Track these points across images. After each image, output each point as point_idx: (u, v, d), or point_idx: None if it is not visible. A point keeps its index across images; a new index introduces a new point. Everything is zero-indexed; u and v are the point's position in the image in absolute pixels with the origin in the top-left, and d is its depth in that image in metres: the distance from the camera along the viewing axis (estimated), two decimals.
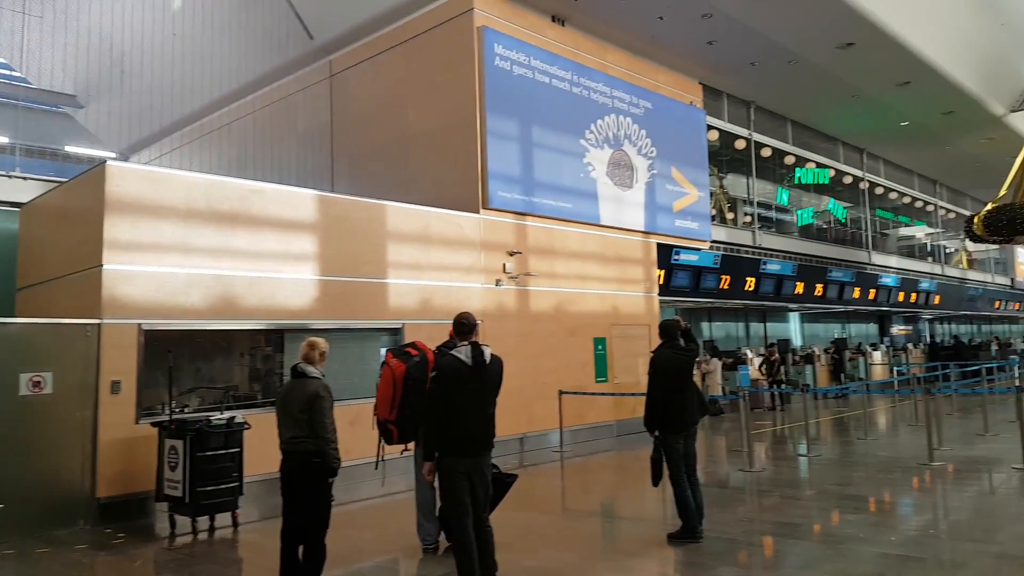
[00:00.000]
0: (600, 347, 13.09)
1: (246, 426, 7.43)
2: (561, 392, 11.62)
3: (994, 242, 18.39)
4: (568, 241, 12.79)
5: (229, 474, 7.19)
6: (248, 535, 7.10)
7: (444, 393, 4.73)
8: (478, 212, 11.45)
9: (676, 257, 14.78)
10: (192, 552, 6.71)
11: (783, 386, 17.08)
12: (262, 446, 6.79)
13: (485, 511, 4.85)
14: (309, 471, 4.86)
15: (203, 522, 7.11)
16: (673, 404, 6.20)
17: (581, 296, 12.87)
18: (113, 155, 20.65)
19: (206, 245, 8.37)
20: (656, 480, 6.23)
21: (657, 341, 6.53)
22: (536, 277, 12.05)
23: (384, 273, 10.11)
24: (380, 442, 6.06)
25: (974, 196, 30.21)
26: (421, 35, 12.61)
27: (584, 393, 12.20)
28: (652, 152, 14.69)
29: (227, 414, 7.51)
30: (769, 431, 13.92)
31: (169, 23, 17.28)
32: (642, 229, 14.27)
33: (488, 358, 4.81)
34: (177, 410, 7.68)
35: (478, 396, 4.79)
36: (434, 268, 10.72)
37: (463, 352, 4.79)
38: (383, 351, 10.19)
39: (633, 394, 11.94)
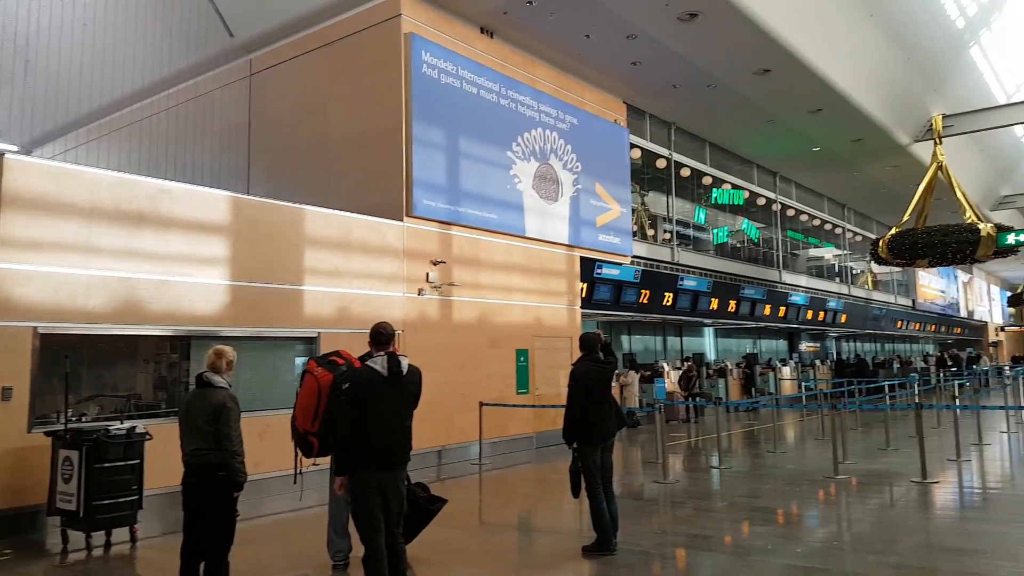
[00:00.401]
0: (522, 359, 13.11)
1: (148, 437, 7.06)
2: (482, 404, 11.55)
3: (897, 264, 19.43)
4: (493, 252, 12.78)
5: (128, 487, 6.81)
6: (147, 551, 6.73)
7: (357, 405, 4.58)
8: (402, 220, 11.30)
9: (599, 271, 14.98)
10: (85, 569, 6.32)
11: (698, 399, 17.51)
12: (164, 458, 6.44)
13: (398, 527, 4.72)
14: (213, 485, 4.66)
15: (98, 537, 6.71)
16: (591, 416, 6.23)
17: (505, 307, 12.86)
18: (14, 148, 19.44)
19: (110, 246, 7.95)
20: (576, 492, 6.23)
21: (578, 353, 6.56)
22: (460, 287, 11.96)
23: (300, 279, 9.82)
24: (297, 454, 5.82)
25: (879, 220, 31.85)
26: (346, 38, 12.41)
27: (505, 405, 12.17)
28: (577, 167, 14.88)
29: (128, 424, 7.14)
30: (684, 443, 14.22)
31: (79, 12, 16.43)
32: (566, 242, 14.41)
33: (405, 369, 4.70)
34: (74, 419, 7.25)
35: (394, 408, 4.66)
36: (354, 276, 10.50)
37: (379, 362, 4.66)
38: (297, 361, 9.95)
39: (554, 406, 12.00)
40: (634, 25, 13.31)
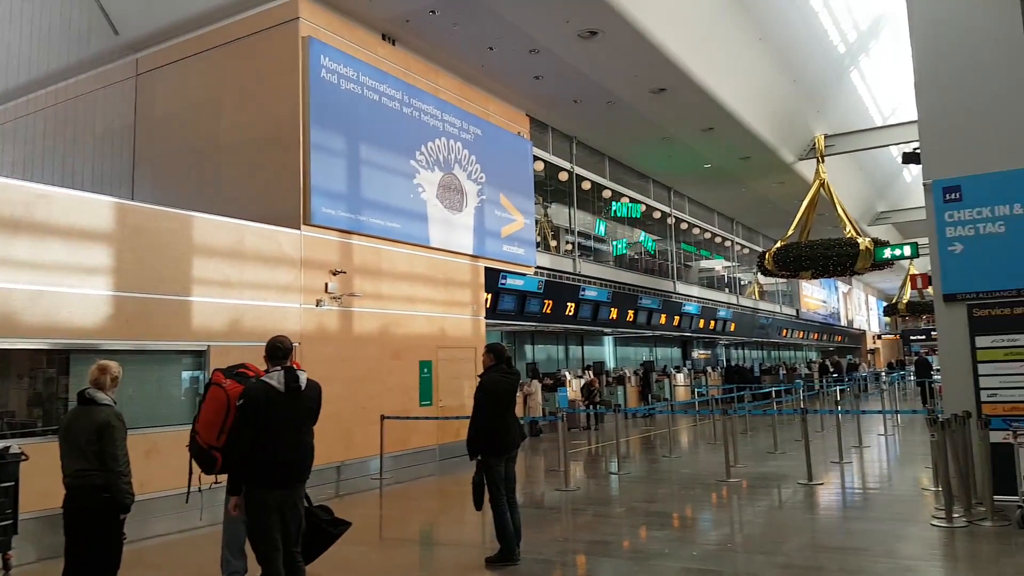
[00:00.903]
0: (426, 370, 12.98)
1: (23, 457, 6.53)
2: (383, 417, 11.36)
3: (782, 276, 20.45)
4: (396, 262, 12.62)
5: (2, 511, 6.27)
6: None
7: (252, 422, 4.42)
8: (299, 228, 10.99)
9: (503, 281, 15.06)
10: None
11: (598, 406, 17.86)
12: (42, 479, 5.95)
13: (297, 546, 4.58)
14: (97, 507, 4.40)
15: None
16: (498, 428, 6.23)
17: (408, 318, 12.72)
18: None
19: None
20: (479, 503, 6.20)
21: (483, 364, 6.54)
22: (361, 298, 11.74)
23: (189, 290, 9.36)
24: (192, 470, 5.49)
25: (766, 234, 33.56)
26: (241, 40, 11.99)
27: (408, 418, 12.02)
28: (482, 178, 14.94)
29: (0, 443, 6.58)
30: (585, 450, 14.45)
31: None
32: (471, 252, 14.42)
33: (303, 383, 4.57)
34: None
35: (292, 424, 4.53)
36: (247, 286, 10.11)
37: (275, 377, 4.52)
38: (184, 375, 9.48)
39: (458, 417, 11.94)
40: (537, 40, 13.52)
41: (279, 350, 4.67)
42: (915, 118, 8.94)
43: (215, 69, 12.28)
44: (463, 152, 14.49)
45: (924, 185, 8.51)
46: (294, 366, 4.65)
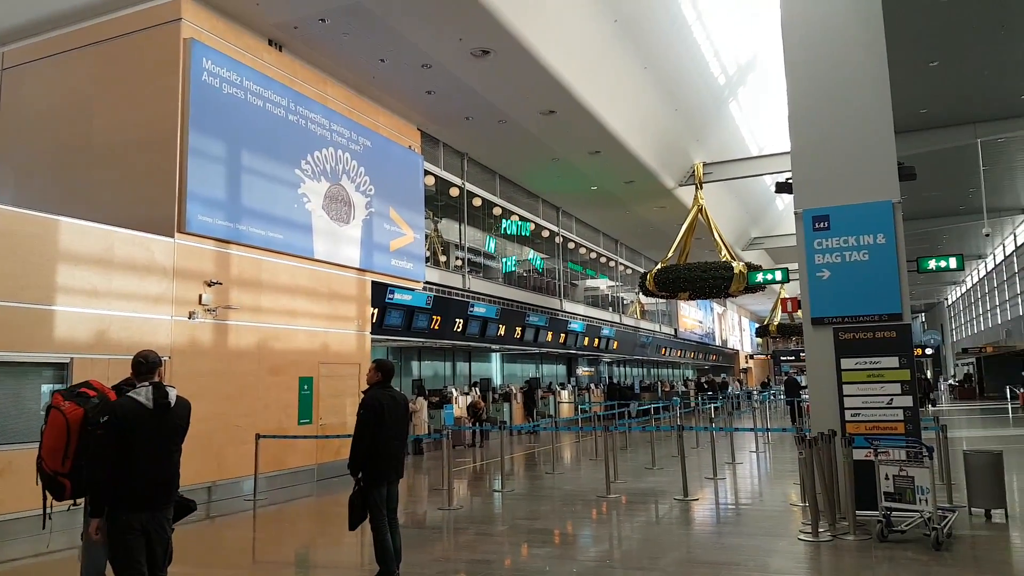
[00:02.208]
0: (306, 387, 12.51)
1: None
2: (259, 436, 10.83)
3: (662, 296, 21.21)
4: (277, 273, 12.12)
5: None
6: None
7: (117, 440, 4.13)
8: (173, 236, 10.37)
9: (390, 296, 14.80)
10: None
11: (484, 424, 17.83)
12: None
13: (163, 570, 4.33)
14: None
15: None
16: (382, 449, 6.03)
17: (288, 332, 12.23)
18: None
19: None
20: (354, 524, 5.98)
21: (367, 381, 6.34)
22: (238, 310, 11.19)
23: (51, 299, 8.64)
24: (46, 496, 5.01)
25: (647, 255, 34.80)
26: (118, 38, 11.30)
27: (284, 436, 11.52)
28: (371, 190, 14.65)
29: None
30: (469, 468, 14.35)
31: None
32: (357, 266, 14.07)
33: (173, 400, 4.31)
34: None
35: (161, 443, 4.29)
36: (115, 296, 9.42)
37: (143, 393, 4.26)
38: (44, 388, 8.72)
39: (338, 436, 11.56)
40: (429, 55, 13.46)
41: (144, 364, 4.46)
42: (788, 150, 9.49)
43: (89, 67, 11.52)
44: (352, 163, 14.17)
45: (795, 214, 9.04)
46: (162, 381, 4.39)
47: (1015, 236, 38.13)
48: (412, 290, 15.69)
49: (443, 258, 19.05)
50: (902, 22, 14.22)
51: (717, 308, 48.07)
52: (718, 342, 48.53)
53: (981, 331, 48.02)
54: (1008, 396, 28.81)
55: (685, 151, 21.85)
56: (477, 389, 20.66)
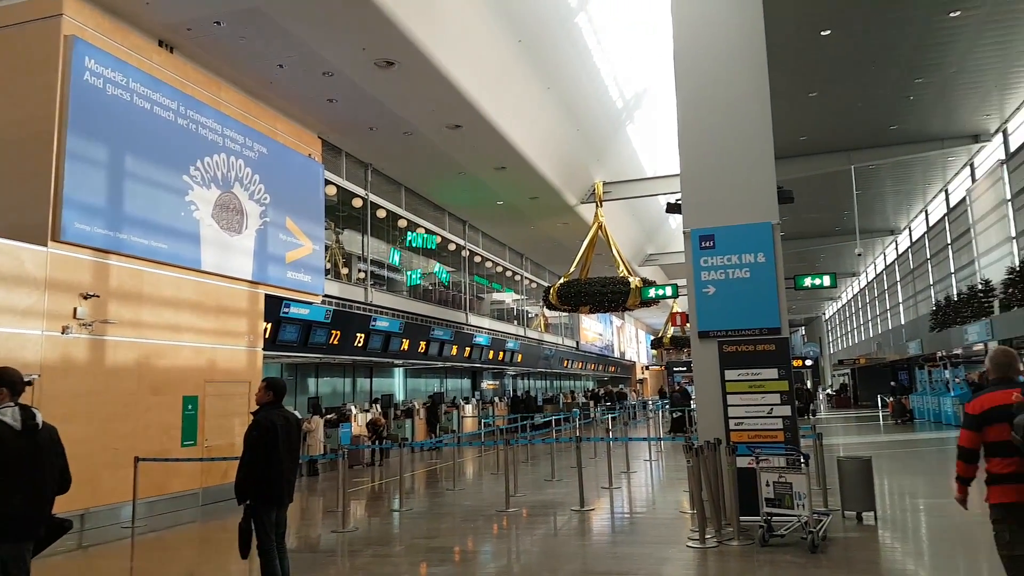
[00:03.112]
0: (190, 407, 11.90)
1: None
2: (138, 459, 10.19)
3: (564, 310, 21.52)
4: (161, 286, 11.51)
5: None
6: None
7: None
8: (46, 244, 9.69)
9: (286, 310, 14.32)
10: None
11: (384, 441, 17.50)
12: None
13: None
14: None
15: None
16: (273, 473, 5.78)
17: (172, 349, 11.61)
18: None
19: None
20: (245, 551, 5.70)
21: (257, 400, 6.08)
22: (117, 325, 10.55)
23: None
24: None
25: (551, 270, 35.31)
26: None
27: (166, 459, 10.92)
28: (266, 199, 14.18)
29: None
30: (367, 488, 14.04)
31: None
32: (250, 278, 13.55)
33: (40, 423, 4.03)
34: None
35: (31, 469, 4.02)
36: None
37: (8, 414, 3.98)
38: None
39: (225, 458, 11.07)
40: (331, 63, 13.21)
41: (14, 385, 4.18)
42: (679, 172, 9.84)
43: None
44: (245, 170, 13.68)
45: (684, 233, 9.37)
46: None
47: (884, 256, 41.02)
48: (310, 304, 15.25)
49: (344, 271, 18.66)
50: (785, 54, 15.14)
51: (616, 321, 49.26)
52: (617, 354, 49.70)
53: (855, 344, 51.32)
54: (879, 405, 30.81)
55: (586, 170, 22.34)
56: (378, 406, 20.28)
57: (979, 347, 21.57)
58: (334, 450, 12.99)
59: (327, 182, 16.81)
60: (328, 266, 17.09)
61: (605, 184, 22.47)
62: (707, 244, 9.13)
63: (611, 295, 19.27)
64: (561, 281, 20.16)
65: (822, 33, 15.05)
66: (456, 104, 15.12)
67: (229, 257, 13.03)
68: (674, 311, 34.08)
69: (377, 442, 17.23)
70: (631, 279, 19.48)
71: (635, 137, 23.54)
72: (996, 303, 20.04)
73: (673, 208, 10.63)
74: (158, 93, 11.71)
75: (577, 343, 39.56)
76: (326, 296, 16.46)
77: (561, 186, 21.57)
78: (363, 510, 11.47)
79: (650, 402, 38.63)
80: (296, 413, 7.17)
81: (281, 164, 14.79)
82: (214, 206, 12.77)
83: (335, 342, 16.32)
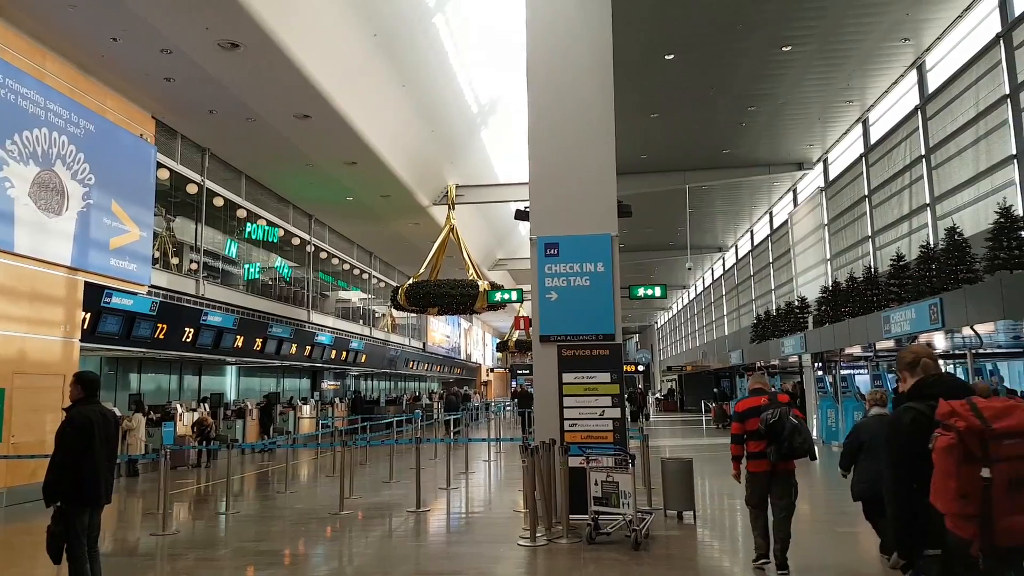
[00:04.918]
0: None
1: None
2: None
3: (413, 311, 21.45)
4: None
5: None
6: None
7: None
8: None
9: (107, 300, 13.28)
10: None
11: (212, 443, 16.64)
12: None
13: None
14: None
15: None
16: (87, 473, 5.39)
17: None
18: None
19: None
20: (57, 556, 5.33)
21: (70, 396, 5.65)
22: None
23: None
24: None
25: (401, 270, 35.01)
26: None
27: None
28: (90, 179, 13.08)
29: None
30: (191, 490, 13.31)
31: None
32: (68, 264, 12.45)
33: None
34: None
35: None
36: None
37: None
38: None
39: (34, 456, 10.12)
40: (170, 40, 12.43)
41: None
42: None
43: None
44: (69, 147, 12.56)
45: (531, 240, 9.69)
46: None
47: (712, 271, 44.30)
48: (134, 294, 14.22)
49: (175, 260, 17.53)
50: (631, 75, 16.04)
51: (464, 324, 49.72)
52: (463, 356, 50.16)
53: (683, 351, 54.97)
54: (703, 410, 33.24)
55: (440, 172, 22.41)
56: (206, 405, 19.22)
57: (794, 359, 23.64)
58: (156, 450, 12.20)
59: (159, 165, 15.75)
60: (157, 255, 16.01)
61: (458, 187, 22.66)
62: (552, 252, 9.49)
63: (460, 297, 19.45)
64: (410, 282, 20.09)
65: (666, 57, 16.06)
66: (305, 93, 14.67)
67: (46, 240, 11.91)
68: (519, 315, 34.89)
69: (204, 443, 16.34)
70: (480, 282, 19.76)
71: (489, 143, 23.92)
72: (810, 319, 22.10)
73: (522, 215, 10.97)
74: None
75: (424, 344, 39.50)
76: (153, 287, 15.41)
77: (414, 186, 21.49)
78: (186, 513, 10.88)
79: (492, 404, 39.30)
80: (115, 410, 6.72)
81: (109, 143, 13.70)
82: (32, 184, 11.62)
83: (161, 336, 15.32)
